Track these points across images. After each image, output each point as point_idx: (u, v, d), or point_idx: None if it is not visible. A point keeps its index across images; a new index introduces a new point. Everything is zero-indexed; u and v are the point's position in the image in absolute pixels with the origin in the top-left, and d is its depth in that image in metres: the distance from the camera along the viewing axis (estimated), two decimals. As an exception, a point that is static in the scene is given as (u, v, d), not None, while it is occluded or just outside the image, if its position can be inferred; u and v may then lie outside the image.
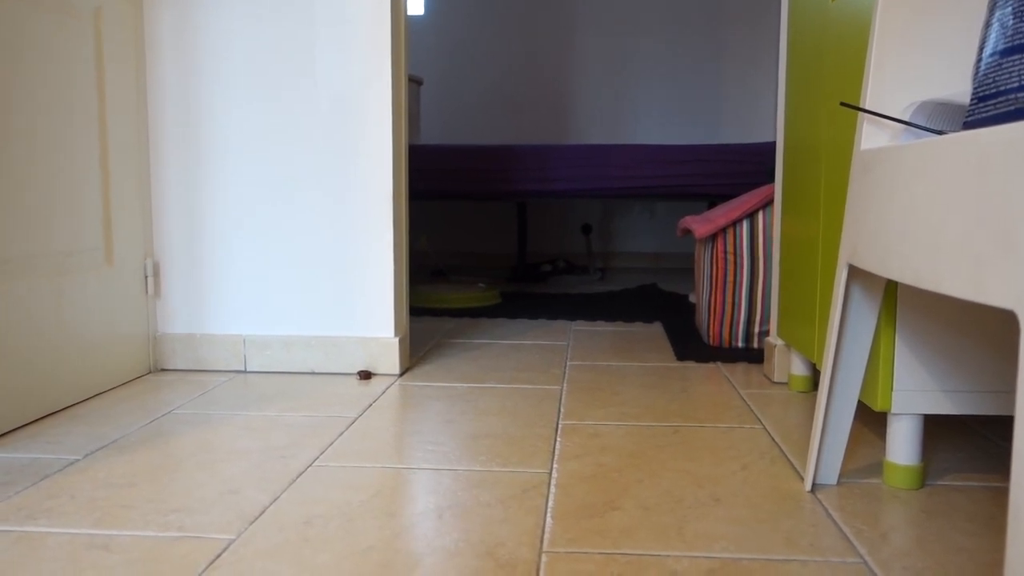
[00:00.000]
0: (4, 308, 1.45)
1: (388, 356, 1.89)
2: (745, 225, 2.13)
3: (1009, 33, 0.82)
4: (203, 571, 0.92)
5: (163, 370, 1.93)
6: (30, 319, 1.51)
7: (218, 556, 0.96)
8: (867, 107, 1.07)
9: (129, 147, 1.83)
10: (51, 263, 1.58)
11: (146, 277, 1.90)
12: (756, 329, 2.15)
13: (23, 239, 1.50)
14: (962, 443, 1.39)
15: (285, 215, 1.91)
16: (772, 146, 3.52)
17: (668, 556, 0.96)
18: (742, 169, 3.54)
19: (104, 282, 1.74)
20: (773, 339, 1.86)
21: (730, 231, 2.14)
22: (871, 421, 1.49)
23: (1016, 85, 0.81)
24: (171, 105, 1.91)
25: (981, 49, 0.87)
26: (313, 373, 1.90)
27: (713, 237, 2.18)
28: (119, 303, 1.80)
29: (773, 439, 1.41)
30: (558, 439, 1.40)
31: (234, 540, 1.00)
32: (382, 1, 1.84)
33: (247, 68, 1.88)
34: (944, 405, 1.16)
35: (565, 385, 1.79)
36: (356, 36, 1.86)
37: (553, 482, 1.20)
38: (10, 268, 1.47)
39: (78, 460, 1.30)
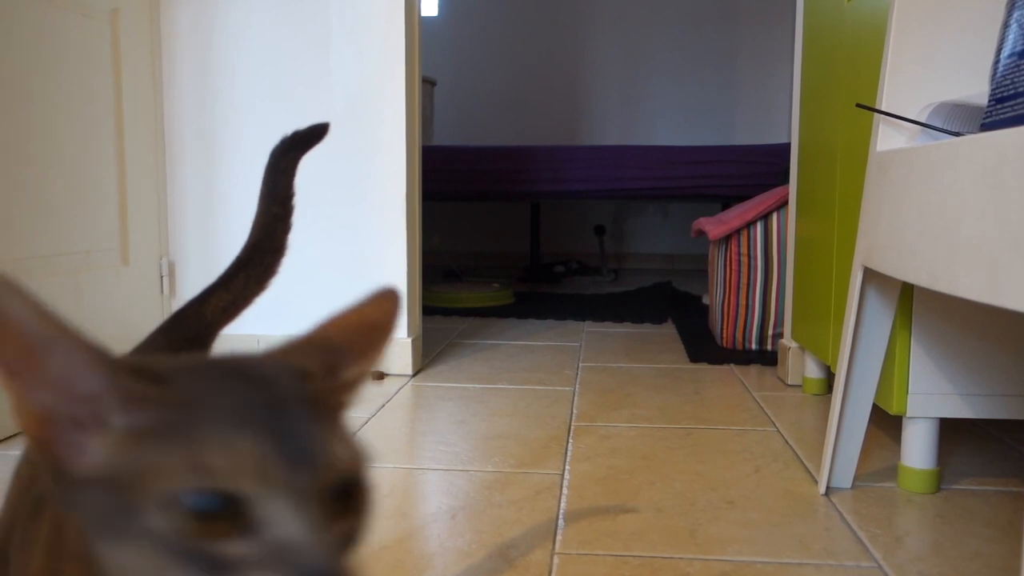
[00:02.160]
0: (21, 307, 1.46)
1: (401, 356, 1.89)
2: (759, 227, 2.12)
3: (1028, 34, 0.81)
4: (217, 570, 0.92)
5: (178, 369, 1.94)
6: (47, 318, 1.53)
7: (231, 555, 0.96)
8: (883, 108, 1.06)
9: (145, 147, 1.85)
10: (69, 262, 1.59)
11: (161, 277, 1.91)
12: (770, 331, 2.14)
13: (42, 238, 1.51)
14: (978, 447, 1.38)
15: (299, 215, 1.91)
16: (787, 147, 3.50)
17: (680, 559, 0.95)
18: (756, 170, 3.52)
19: (120, 281, 1.75)
20: (787, 341, 1.85)
21: (744, 233, 2.13)
22: (886, 424, 1.48)
23: (1034, 87, 0.80)
24: (187, 105, 1.92)
25: (999, 50, 0.86)
26: (326, 373, 1.91)
27: (727, 238, 2.17)
28: (135, 302, 1.81)
29: (787, 442, 1.40)
30: (570, 441, 1.40)
31: (247, 539, 1.01)
32: (396, 2, 1.85)
33: (262, 69, 1.89)
34: (960, 409, 1.15)
35: (578, 386, 1.78)
36: (370, 37, 1.86)
37: (565, 484, 1.20)
38: (29, 266, 1.48)
39: (93, 458, 1.31)
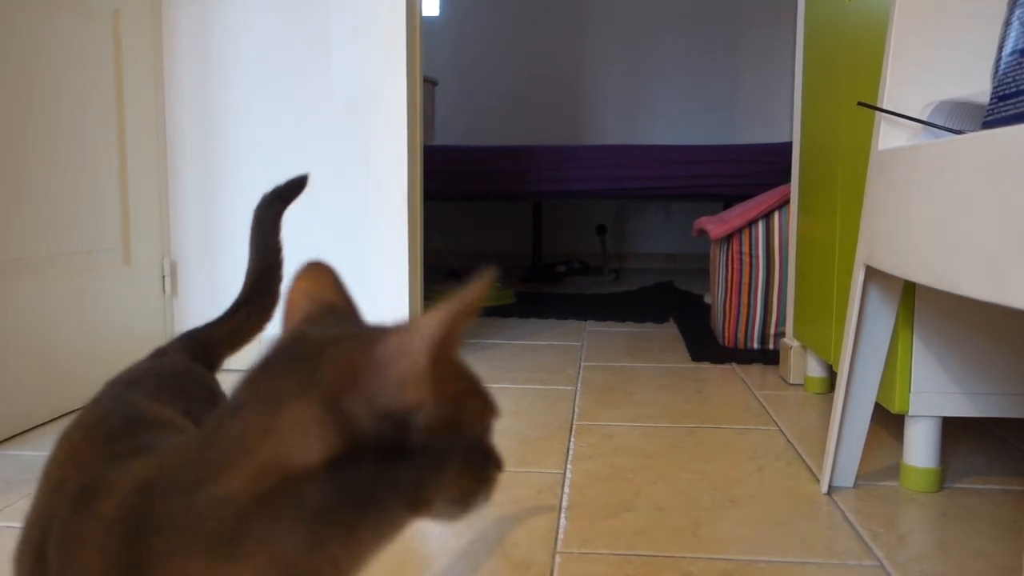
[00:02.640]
0: (27, 306, 1.47)
1: (403, 356, 1.89)
2: (761, 225, 2.12)
3: (1029, 32, 0.81)
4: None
5: (180, 369, 1.94)
6: (52, 317, 1.53)
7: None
8: (885, 107, 1.06)
9: (147, 147, 1.85)
10: (71, 262, 1.59)
11: (163, 276, 1.91)
12: (772, 330, 2.14)
13: (43, 238, 1.51)
14: (981, 446, 1.37)
15: (300, 215, 1.91)
16: (788, 146, 3.50)
17: (683, 558, 0.95)
18: (758, 169, 3.52)
19: (122, 281, 1.75)
20: (789, 340, 1.85)
21: (746, 232, 2.13)
22: (888, 423, 1.48)
23: (1036, 84, 0.80)
24: (188, 105, 1.92)
25: (1001, 48, 0.86)
26: (328, 373, 1.91)
27: (728, 238, 2.17)
28: (137, 302, 1.81)
29: (789, 441, 1.40)
30: (572, 440, 1.40)
31: (249, 539, 1.01)
32: (397, 2, 1.85)
33: (263, 69, 1.89)
34: (963, 407, 1.15)
35: (579, 386, 1.78)
36: (371, 37, 1.86)
37: (567, 483, 1.20)
38: (31, 266, 1.48)
39: (96, 458, 1.31)
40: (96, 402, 0.55)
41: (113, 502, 0.40)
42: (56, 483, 0.47)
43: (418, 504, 0.42)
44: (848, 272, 1.41)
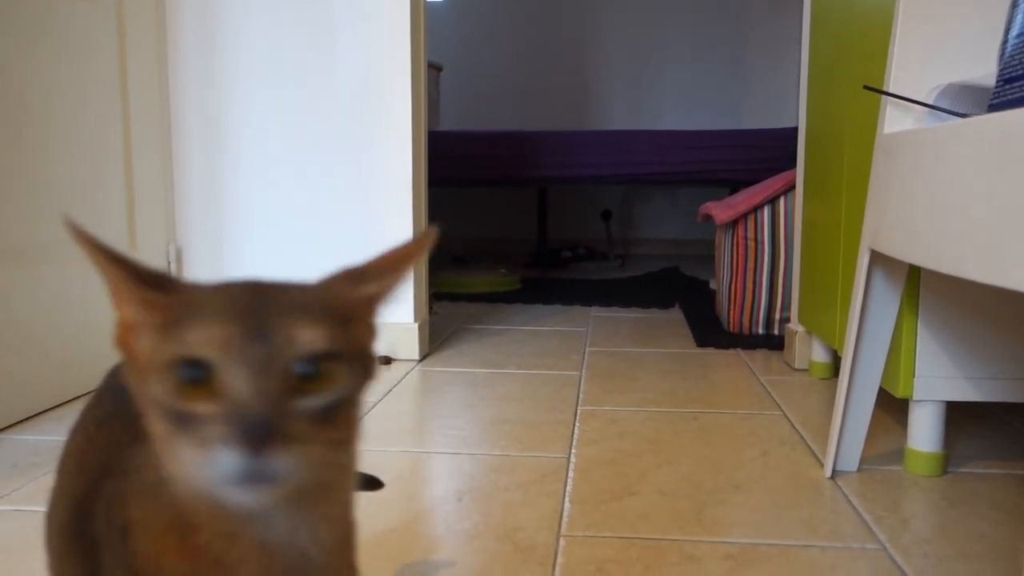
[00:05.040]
0: (33, 293, 1.47)
1: (408, 341, 1.90)
2: (767, 211, 2.11)
3: (1036, 14, 0.80)
4: (226, 552, 0.93)
5: (186, 355, 1.95)
6: (58, 304, 1.54)
7: (240, 538, 0.97)
8: (891, 90, 1.06)
9: (152, 133, 1.85)
10: (77, 249, 1.59)
11: (169, 263, 1.92)
12: (777, 315, 2.14)
13: (48, 225, 1.52)
14: (984, 430, 1.38)
15: (305, 201, 1.92)
16: (794, 131, 3.47)
17: (686, 541, 0.96)
18: (764, 154, 3.50)
19: (128, 268, 1.76)
20: (794, 325, 1.85)
21: (751, 217, 2.13)
22: (892, 408, 1.48)
23: (1043, 67, 0.79)
24: (193, 91, 1.92)
25: (1007, 31, 0.85)
26: (334, 358, 1.91)
27: (734, 223, 2.16)
28: (143, 289, 1.81)
29: (793, 426, 1.40)
30: (577, 424, 1.41)
31: (256, 522, 1.01)
32: (402, -14, 1.84)
33: (268, 53, 1.89)
34: (967, 392, 1.15)
35: (584, 371, 1.79)
36: (376, 22, 1.86)
37: (572, 467, 1.20)
38: (37, 254, 1.49)
39: (104, 443, 1.32)
40: (99, 395, 0.57)
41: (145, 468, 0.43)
42: (77, 468, 0.50)
43: None
44: (853, 257, 1.41)
